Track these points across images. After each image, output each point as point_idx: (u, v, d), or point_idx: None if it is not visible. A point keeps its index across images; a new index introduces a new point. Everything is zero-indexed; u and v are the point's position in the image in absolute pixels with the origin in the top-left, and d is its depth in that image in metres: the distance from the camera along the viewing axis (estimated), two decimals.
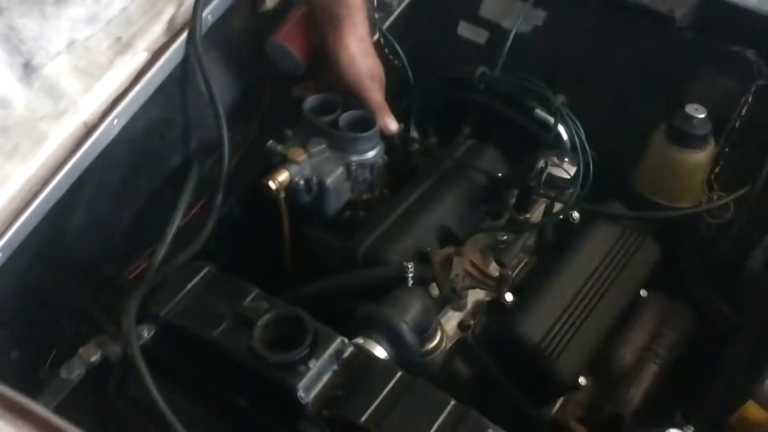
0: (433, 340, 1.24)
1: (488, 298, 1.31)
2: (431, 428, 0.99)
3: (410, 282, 1.23)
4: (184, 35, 1.34)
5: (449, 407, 1.01)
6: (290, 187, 1.34)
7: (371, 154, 1.40)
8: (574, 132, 1.44)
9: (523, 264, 1.40)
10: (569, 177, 1.44)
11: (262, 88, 1.52)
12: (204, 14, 1.36)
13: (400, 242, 1.32)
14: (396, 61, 1.60)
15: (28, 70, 1.23)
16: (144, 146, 1.33)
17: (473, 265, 1.26)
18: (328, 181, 1.35)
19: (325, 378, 1.04)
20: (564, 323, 1.26)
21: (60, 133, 1.21)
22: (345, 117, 1.38)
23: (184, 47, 1.35)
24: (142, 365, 1.02)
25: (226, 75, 1.46)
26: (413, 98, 1.59)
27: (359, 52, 1.38)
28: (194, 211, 1.40)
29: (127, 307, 1.10)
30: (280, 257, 1.43)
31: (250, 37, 1.48)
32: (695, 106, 1.41)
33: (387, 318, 1.11)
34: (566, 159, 1.44)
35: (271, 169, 1.34)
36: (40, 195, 1.17)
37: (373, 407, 1.00)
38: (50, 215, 1.19)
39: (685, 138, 1.42)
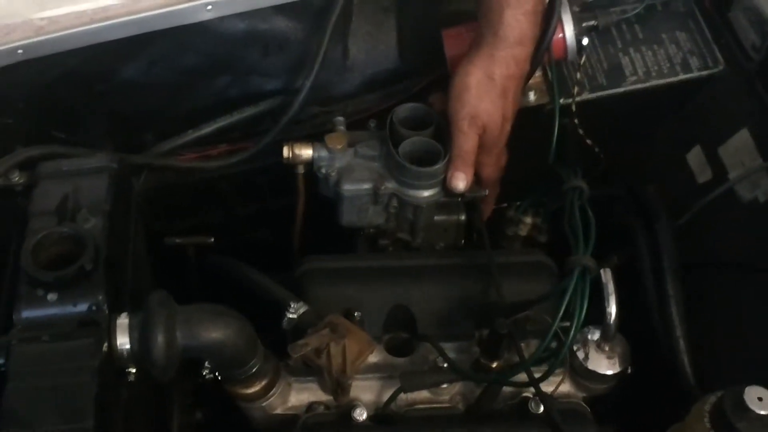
0: (249, 386, 1.04)
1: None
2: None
3: (285, 321, 1.07)
4: None
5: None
6: (310, 169, 1.20)
7: (416, 193, 1.17)
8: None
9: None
10: (603, 374, 1.09)
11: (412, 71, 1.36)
12: None
13: (342, 289, 1.12)
14: (588, 140, 1.30)
15: None
16: (235, 50, 1.27)
17: (342, 354, 1.01)
18: (345, 187, 1.17)
19: (51, 315, 0.93)
20: None
21: None
22: (412, 142, 1.17)
23: None
24: None
25: (381, 39, 1.35)
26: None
27: (476, 87, 1.14)
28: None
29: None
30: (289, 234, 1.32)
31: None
32: (761, 391, 0.90)
33: (154, 314, 0.92)
34: (607, 345, 1.08)
35: (303, 139, 1.21)
36: (97, 24, 1.19)
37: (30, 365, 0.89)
38: (98, 49, 1.19)
39: None
